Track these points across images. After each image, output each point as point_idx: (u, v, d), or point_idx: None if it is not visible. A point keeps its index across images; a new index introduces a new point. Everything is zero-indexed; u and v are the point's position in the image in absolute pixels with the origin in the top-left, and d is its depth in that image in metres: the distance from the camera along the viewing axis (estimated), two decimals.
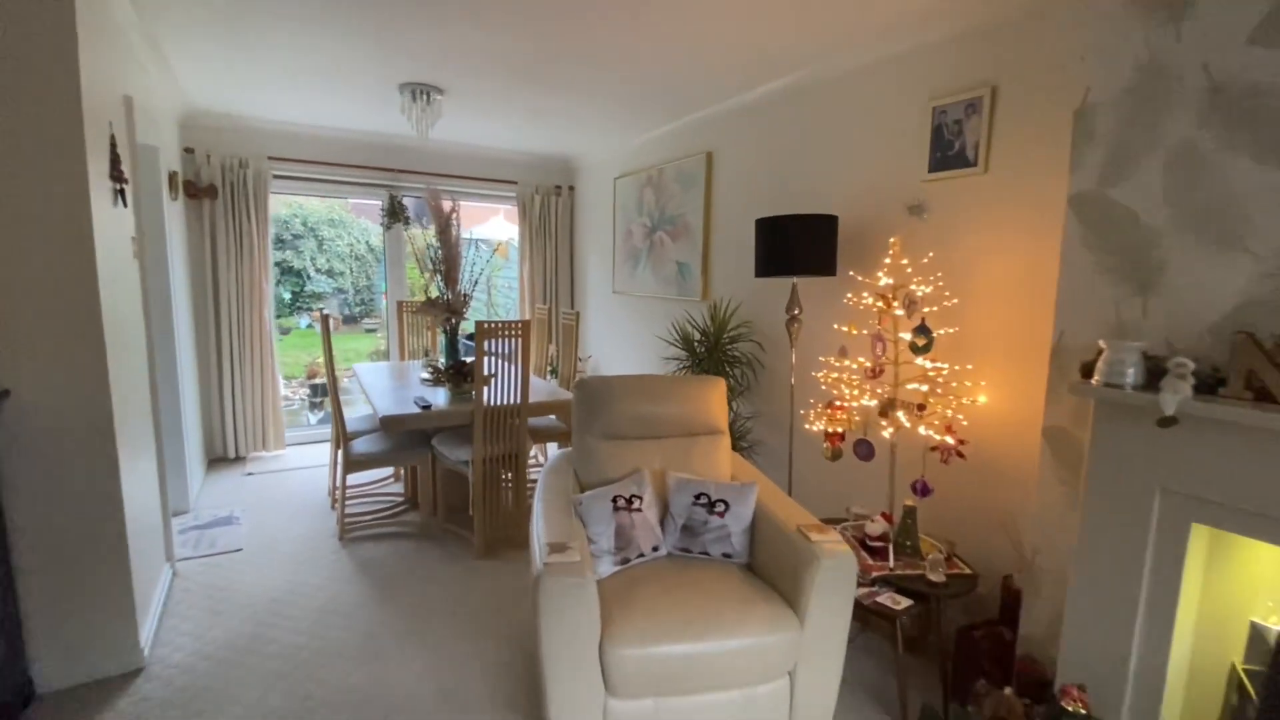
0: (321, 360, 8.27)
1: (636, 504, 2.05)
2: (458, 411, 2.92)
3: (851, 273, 2.70)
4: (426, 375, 3.57)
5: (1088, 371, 1.62)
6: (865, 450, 2.34)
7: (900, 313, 2.23)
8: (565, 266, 5.50)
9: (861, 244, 2.72)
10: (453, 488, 3.36)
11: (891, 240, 2.34)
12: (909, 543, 2.17)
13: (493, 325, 2.86)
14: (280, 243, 8.21)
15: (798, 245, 2.53)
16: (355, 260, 8.90)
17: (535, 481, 2.43)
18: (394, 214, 4.66)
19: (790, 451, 2.94)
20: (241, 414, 4.31)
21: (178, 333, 3.34)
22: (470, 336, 3.34)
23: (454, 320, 3.53)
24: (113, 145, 2.14)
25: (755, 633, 1.69)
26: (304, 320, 8.91)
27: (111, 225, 2.11)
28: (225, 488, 3.84)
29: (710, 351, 3.25)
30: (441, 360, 3.74)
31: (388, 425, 2.75)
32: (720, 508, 2.05)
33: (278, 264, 8.28)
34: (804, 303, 2.84)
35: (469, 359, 3.37)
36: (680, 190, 3.90)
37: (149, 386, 2.58)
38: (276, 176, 4.38)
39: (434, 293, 3.55)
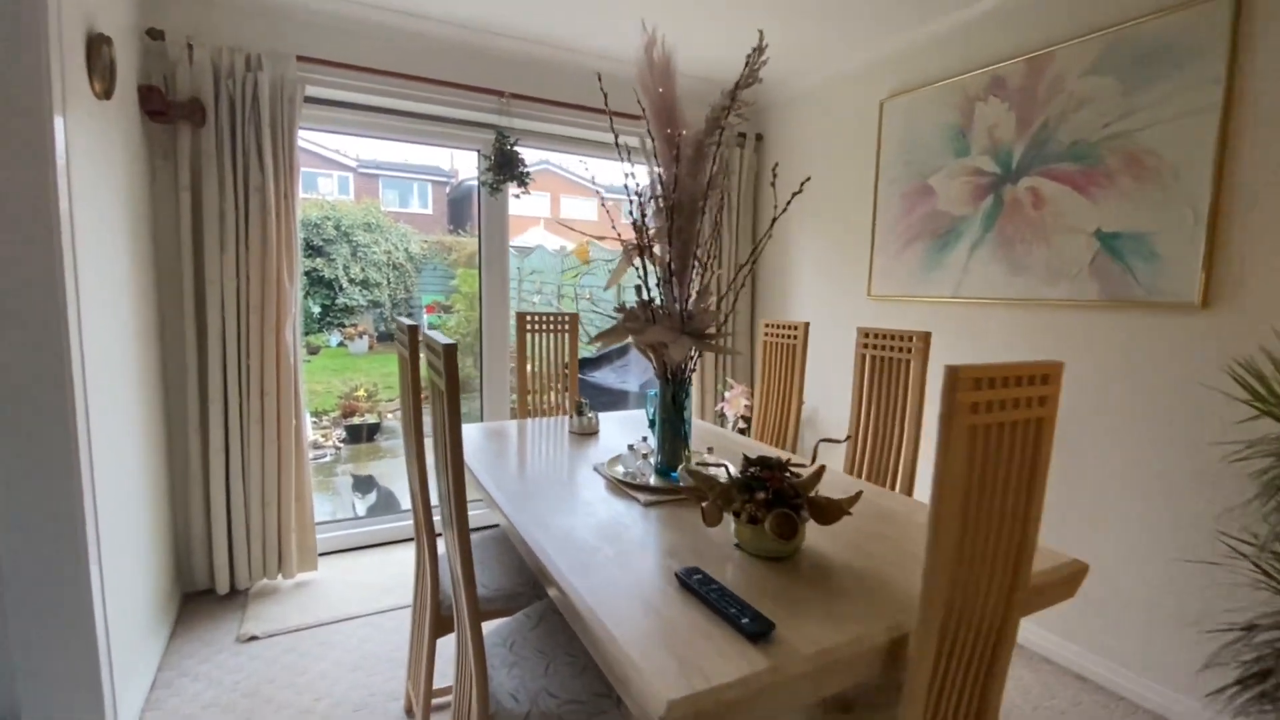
0: (361, 391, 6.49)
1: None
2: (854, 651, 0.92)
3: None
4: (622, 475, 1.64)
5: None
6: None
7: None
8: (747, 257, 3.56)
9: None
10: None
11: None
12: None
13: (986, 370, 0.91)
14: (311, 249, 6.97)
15: None
16: (393, 270, 7.78)
17: None
18: (504, 167, 2.77)
19: None
20: (241, 517, 2.39)
21: (80, 374, 1.45)
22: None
23: (694, 355, 1.60)
24: None
25: None
26: (335, 338, 7.61)
27: None
28: (200, 682, 1.92)
29: None
30: (649, 440, 1.80)
31: None
32: None
33: (306, 273, 6.74)
34: None
35: (764, 448, 1.45)
36: (1116, 92, 1.93)
37: None
38: (310, 100, 2.53)
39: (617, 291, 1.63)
